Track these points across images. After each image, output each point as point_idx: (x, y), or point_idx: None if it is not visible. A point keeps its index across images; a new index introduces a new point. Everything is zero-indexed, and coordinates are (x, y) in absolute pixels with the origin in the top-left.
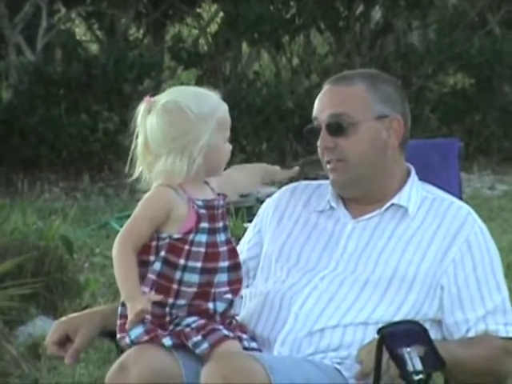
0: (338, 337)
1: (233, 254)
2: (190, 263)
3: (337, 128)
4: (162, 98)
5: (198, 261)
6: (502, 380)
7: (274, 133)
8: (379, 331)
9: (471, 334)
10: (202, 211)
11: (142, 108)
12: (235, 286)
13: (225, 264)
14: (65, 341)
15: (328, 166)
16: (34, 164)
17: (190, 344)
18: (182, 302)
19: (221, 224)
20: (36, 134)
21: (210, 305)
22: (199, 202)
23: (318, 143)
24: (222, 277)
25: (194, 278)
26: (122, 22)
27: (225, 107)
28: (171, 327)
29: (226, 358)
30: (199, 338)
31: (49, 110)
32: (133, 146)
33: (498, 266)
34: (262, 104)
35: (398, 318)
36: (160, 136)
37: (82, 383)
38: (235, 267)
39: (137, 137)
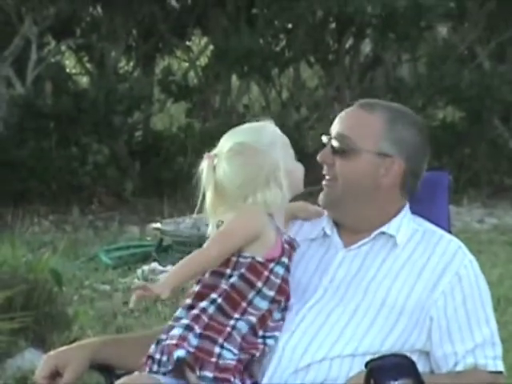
0: (324, 371)
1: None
2: (265, 289)
3: (339, 148)
4: (222, 147)
5: (272, 290)
6: None
7: None
8: (367, 364)
9: (459, 368)
10: (286, 246)
11: (205, 165)
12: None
13: (287, 303)
14: (54, 375)
15: (323, 181)
16: (24, 197)
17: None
18: (243, 322)
19: (291, 264)
20: (26, 167)
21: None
22: (286, 237)
23: (319, 155)
24: (276, 315)
25: (263, 304)
26: (112, 55)
27: (279, 132)
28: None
29: None
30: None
31: (39, 142)
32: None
33: (487, 299)
34: None
35: (385, 348)
36: (239, 178)
37: None
38: (286, 308)
39: (203, 196)
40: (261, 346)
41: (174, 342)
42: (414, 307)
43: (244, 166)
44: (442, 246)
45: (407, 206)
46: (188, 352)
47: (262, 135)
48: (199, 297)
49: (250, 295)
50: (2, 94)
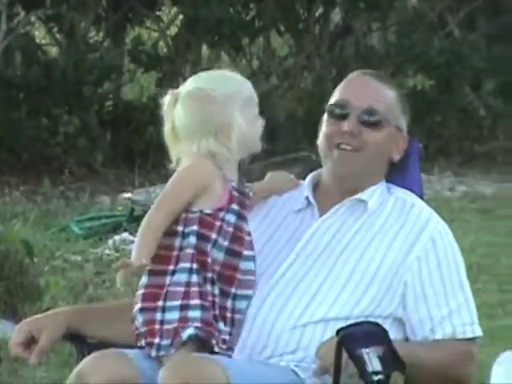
0: (295, 339)
1: (253, 246)
2: (220, 239)
3: (369, 121)
4: (186, 87)
5: (226, 240)
6: None
7: None
8: (338, 332)
9: (438, 336)
10: (235, 193)
11: (167, 100)
12: (249, 276)
13: (250, 253)
14: (29, 342)
15: (335, 151)
16: None
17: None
18: (210, 274)
19: (246, 214)
20: None
21: (233, 290)
22: (234, 184)
23: (335, 125)
24: (249, 265)
25: (220, 255)
26: (82, 25)
27: (249, 85)
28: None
29: (182, 361)
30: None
31: (8, 113)
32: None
33: (461, 265)
34: None
35: (356, 312)
36: (189, 123)
37: None
38: (254, 259)
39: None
40: (228, 315)
41: (175, 325)
42: (387, 273)
43: (196, 110)
44: (415, 213)
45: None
46: (196, 328)
47: (225, 86)
48: (159, 259)
49: (208, 248)
50: None
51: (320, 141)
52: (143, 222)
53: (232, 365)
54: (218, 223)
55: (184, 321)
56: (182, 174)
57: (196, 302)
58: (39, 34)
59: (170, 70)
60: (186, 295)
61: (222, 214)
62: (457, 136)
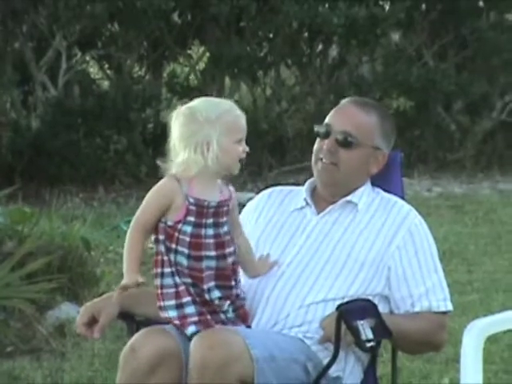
0: (301, 315)
1: (220, 245)
2: (179, 248)
3: (344, 142)
4: (184, 105)
5: (185, 247)
6: (438, 349)
7: (252, 149)
8: (338, 307)
9: (417, 309)
10: (192, 207)
11: (173, 114)
12: (223, 271)
13: (211, 253)
14: (91, 322)
15: (319, 163)
16: (59, 179)
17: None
18: (185, 280)
19: (210, 220)
20: (59, 155)
21: (205, 286)
22: (191, 199)
23: (320, 142)
24: (210, 263)
25: (184, 261)
26: (128, 63)
27: (235, 114)
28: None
29: (209, 332)
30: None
31: (69, 135)
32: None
33: (434, 251)
34: None
35: (351, 293)
36: (177, 135)
37: (101, 355)
38: (223, 256)
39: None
40: (215, 303)
41: (177, 322)
42: (374, 259)
43: (180, 126)
44: (395, 210)
45: (369, 180)
46: (195, 323)
47: (211, 110)
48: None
49: (172, 257)
50: (39, 96)
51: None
52: (126, 241)
53: (250, 334)
54: (176, 234)
55: (183, 318)
56: (152, 191)
57: (187, 299)
58: (93, 70)
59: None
60: (178, 295)
61: (179, 226)
62: (433, 147)
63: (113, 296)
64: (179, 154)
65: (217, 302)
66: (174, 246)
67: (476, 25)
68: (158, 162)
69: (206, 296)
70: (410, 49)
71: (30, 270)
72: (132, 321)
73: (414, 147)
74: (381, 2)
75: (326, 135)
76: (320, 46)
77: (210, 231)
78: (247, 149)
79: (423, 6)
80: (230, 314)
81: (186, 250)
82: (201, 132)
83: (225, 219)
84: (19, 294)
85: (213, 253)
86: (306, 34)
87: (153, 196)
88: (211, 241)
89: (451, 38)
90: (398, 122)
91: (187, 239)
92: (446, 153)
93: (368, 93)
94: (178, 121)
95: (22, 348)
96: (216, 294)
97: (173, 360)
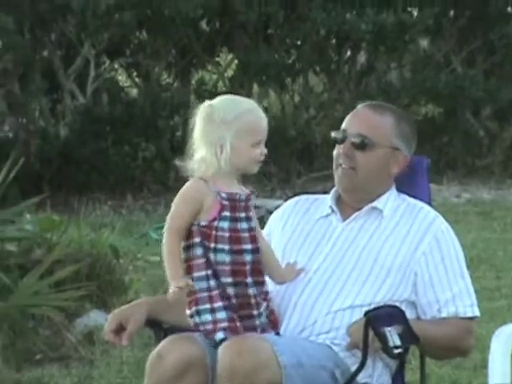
0: (328, 322)
1: (254, 239)
2: (219, 246)
3: (359, 145)
4: (208, 102)
5: (225, 243)
6: (465, 354)
7: (280, 156)
8: (366, 314)
9: (444, 315)
10: (225, 202)
11: (199, 109)
12: (257, 266)
13: (248, 247)
14: (119, 329)
15: (339, 169)
16: (87, 187)
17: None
18: (225, 280)
19: (243, 214)
20: (88, 163)
21: (249, 280)
22: (223, 194)
23: (338, 148)
24: (248, 257)
25: (226, 258)
26: (156, 70)
27: (255, 115)
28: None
29: (237, 339)
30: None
31: (98, 143)
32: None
33: (461, 258)
34: (271, 133)
35: (378, 299)
36: (196, 133)
37: (129, 363)
38: (257, 250)
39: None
40: (253, 301)
41: (209, 327)
42: (400, 265)
43: (199, 125)
44: (421, 216)
45: (393, 185)
46: (224, 330)
47: (229, 110)
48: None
49: (212, 257)
50: (68, 104)
51: None
52: (163, 249)
53: (278, 341)
54: (213, 232)
55: (214, 323)
56: (179, 195)
57: (219, 304)
58: (121, 78)
59: None
60: (211, 299)
61: (215, 223)
62: (461, 153)
63: (141, 304)
64: (197, 151)
65: (257, 299)
66: (212, 244)
67: (504, 31)
68: (177, 162)
69: (250, 291)
70: (439, 55)
71: (58, 278)
72: (159, 328)
73: (442, 153)
74: (409, 9)
75: (343, 140)
76: (348, 53)
77: (244, 225)
78: (265, 151)
79: (451, 12)
80: (264, 319)
81: (226, 246)
82: (215, 133)
83: (252, 213)
84: (48, 302)
85: (249, 246)
86: (333, 41)
87: (181, 200)
88: (246, 234)
89: (479, 44)
90: (426, 128)
91: (226, 234)
92: (475, 159)
93: (396, 99)
94: (198, 118)
95: (50, 355)
96: (255, 290)
97: (199, 367)
